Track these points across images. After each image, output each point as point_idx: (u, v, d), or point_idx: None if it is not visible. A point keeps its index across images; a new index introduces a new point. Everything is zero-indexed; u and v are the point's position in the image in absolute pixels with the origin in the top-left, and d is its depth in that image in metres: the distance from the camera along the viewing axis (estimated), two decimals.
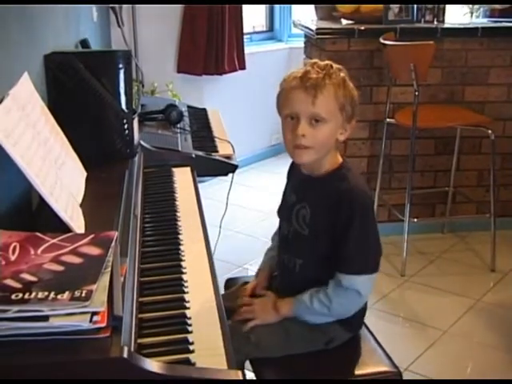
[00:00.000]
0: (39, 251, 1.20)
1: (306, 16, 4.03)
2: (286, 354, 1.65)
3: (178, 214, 1.83)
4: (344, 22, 3.61)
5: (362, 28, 3.37)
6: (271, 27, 5.31)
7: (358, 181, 1.64)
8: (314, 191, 1.66)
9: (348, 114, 1.58)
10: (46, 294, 1.05)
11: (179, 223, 1.77)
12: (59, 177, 1.42)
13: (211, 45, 4.34)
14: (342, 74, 1.59)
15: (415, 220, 3.33)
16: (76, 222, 1.36)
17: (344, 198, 1.59)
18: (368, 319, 1.77)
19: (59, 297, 1.05)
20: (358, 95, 1.62)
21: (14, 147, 1.23)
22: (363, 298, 1.65)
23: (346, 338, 1.70)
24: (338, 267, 1.61)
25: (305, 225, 1.66)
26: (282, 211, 1.81)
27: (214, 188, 4.02)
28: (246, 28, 4.73)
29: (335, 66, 1.60)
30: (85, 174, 1.67)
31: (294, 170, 1.78)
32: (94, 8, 3.15)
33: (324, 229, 1.62)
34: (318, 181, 1.65)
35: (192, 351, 1.18)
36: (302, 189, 1.70)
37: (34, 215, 1.49)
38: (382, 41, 3.17)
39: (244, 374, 1.19)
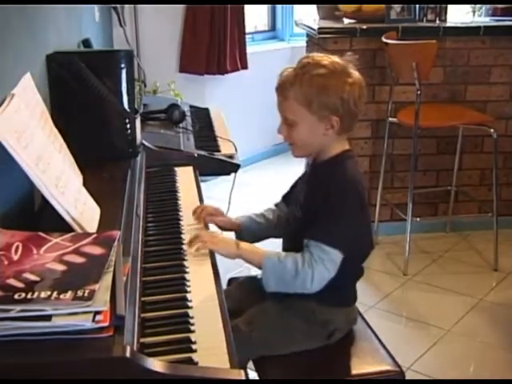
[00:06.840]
0: (42, 251, 1.20)
1: (308, 15, 4.02)
2: (290, 350, 1.65)
3: (181, 214, 1.83)
4: (346, 21, 3.60)
5: (364, 27, 3.37)
6: (273, 27, 5.31)
7: (351, 170, 1.63)
8: (314, 176, 1.69)
9: (321, 112, 1.56)
10: (49, 293, 1.06)
11: (182, 222, 1.78)
12: (63, 177, 1.42)
13: (213, 44, 4.34)
14: (317, 71, 1.55)
15: (418, 219, 3.33)
16: (86, 219, 1.36)
17: (333, 182, 1.60)
18: (371, 318, 1.77)
19: (62, 296, 1.05)
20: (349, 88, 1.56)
21: (22, 149, 1.23)
22: (326, 274, 1.55)
23: (346, 329, 1.71)
24: (307, 233, 1.57)
25: (299, 207, 1.69)
26: (288, 197, 1.85)
27: (216, 187, 4.01)
28: (248, 27, 4.74)
29: (319, 60, 1.57)
30: (81, 177, 1.63)
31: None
32: (96, 8, 3.15)
33: (315, 210, 1.60)
34: (319, 166, 1.67)
35: (194, 350, 1.18)
36: (307, 175, 1.74)
37: (36, 215, 1.49)
38: (384, 40, 3.17)
39: (247, 374, 1.19)
